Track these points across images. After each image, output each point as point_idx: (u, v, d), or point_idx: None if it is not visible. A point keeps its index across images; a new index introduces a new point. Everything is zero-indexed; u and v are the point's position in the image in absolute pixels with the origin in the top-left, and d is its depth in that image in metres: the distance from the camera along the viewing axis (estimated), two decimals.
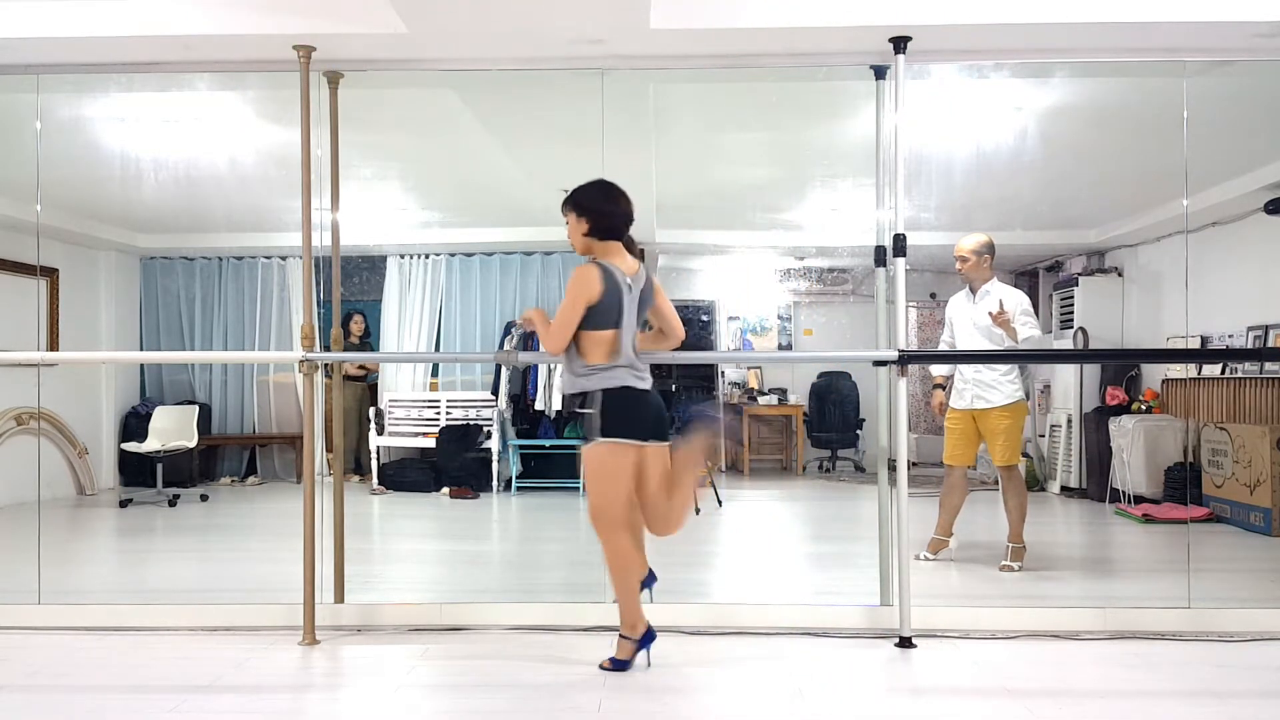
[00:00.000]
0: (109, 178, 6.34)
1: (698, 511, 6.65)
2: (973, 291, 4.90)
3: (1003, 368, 4.80)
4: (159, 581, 4.98)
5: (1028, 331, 4.69)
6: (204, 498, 7.75)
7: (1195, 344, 6.69)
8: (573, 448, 8.19)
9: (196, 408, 7.85)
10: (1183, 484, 6.48)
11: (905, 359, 3.73)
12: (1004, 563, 4.80)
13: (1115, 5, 3.55)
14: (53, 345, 7.72)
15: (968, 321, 4.87)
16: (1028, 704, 2.98)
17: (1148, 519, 6.24)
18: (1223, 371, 6.52)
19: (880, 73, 3.87)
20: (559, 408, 8.27)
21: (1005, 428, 4.80)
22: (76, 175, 6.27)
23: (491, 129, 5.23)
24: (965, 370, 4.89)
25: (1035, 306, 8.82)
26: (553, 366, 8.26)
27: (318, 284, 3.91)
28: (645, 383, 3.32)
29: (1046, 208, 7.05)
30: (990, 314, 4.70)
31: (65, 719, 2.90)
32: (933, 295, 8.85)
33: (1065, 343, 7.94)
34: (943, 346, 5.09)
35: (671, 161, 5.63)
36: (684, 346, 3.56)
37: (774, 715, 2.90)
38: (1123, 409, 7.24)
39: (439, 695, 3.14)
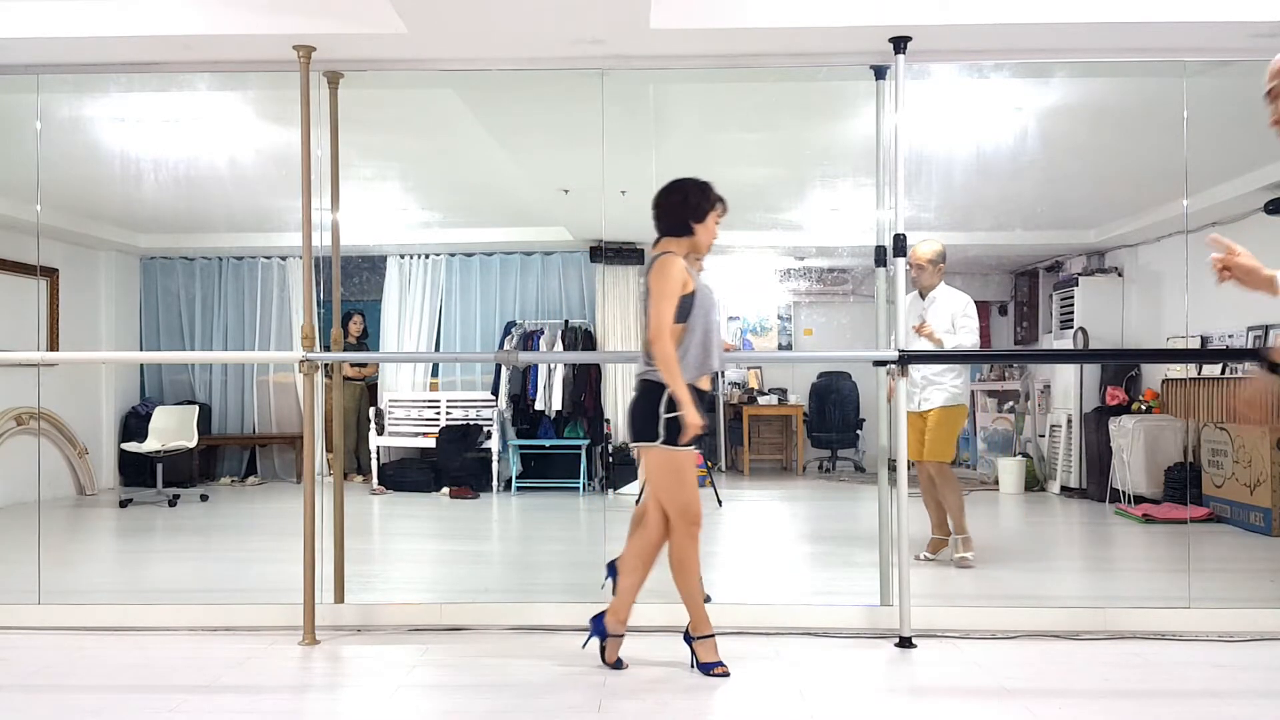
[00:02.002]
0: (109, 178, 6.33)
1: None
2: (922, 296, 4.99)
3: (951, 373, 4.88)
4: (159, 581, 4.98)
5: (957, 339, 4.80)
6: (204, 498, 7.75)
7: (1195, 344, 6.69)
8: (573, 448, 8.20)
9: (196, 408, 7.85)
10: (1183, 484, 6.48)
11: (905, 359, 3.74)
12: (957, 555, 4.81)
13: (1115, 5, 3.55)
14: (53, 345, 7.72)
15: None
16: (1028, 704, 2.98)
17: (1148, 519, 6.24)
18: (1223, 371, 6.52)
19: (880, 73, 3.87)
20: (559, 407, 8.27)
21: (937, 423, 4.86)
22: (76, 175, 6.27)
23: (491, 129, 5.23)
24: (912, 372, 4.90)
25: (1035, 306, 8.89)
26: (552, 367, 8.27)
27: (318, 284, 3.91)
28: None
29: (1046, 208, 7.05)
30: (914, 327, 4.80)
31: (65, 719, 2.91)
32: None
33: (1065, 343, 7.94)
34: None
35: (671, 161, 5.62)
36: None
37: (774, 715, 2.90)
38: (1123, 409, 7.24)
39: (439, 695, 3.14)
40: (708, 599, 3.69)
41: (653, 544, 3.30)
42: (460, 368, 8.99)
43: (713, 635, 3.31)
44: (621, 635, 3.35)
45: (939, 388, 4.86)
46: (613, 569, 3.54)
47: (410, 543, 6.38)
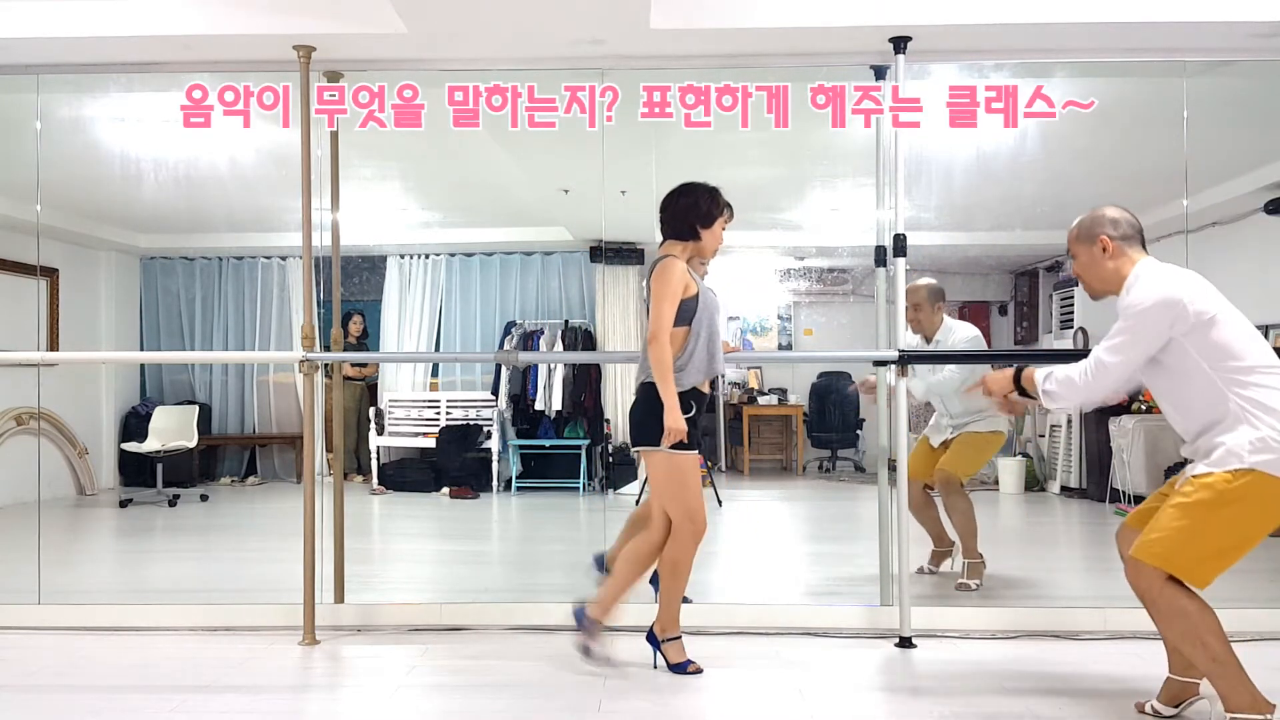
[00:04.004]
0: (109, 178, 6.34)
1: None
2: (927, 341, 4.59)
3: (990, 411, 4.48)
4: (159, 581, 4.98)
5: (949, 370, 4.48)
6: (204, 498, 7.75)
7: None
8: (573, 448, 8.20)
9: (196, 408, 7.85)
10: None
11: (905, 359, 3.74)
12: (960, 581, 4.45)
13: (1115, 5, 3.56)
14: (53, 345, 7.72)
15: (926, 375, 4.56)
16: (1028, 704, 2.98)
17: None
18: None
19: (880, 73, 3.87)
20: (559, 408, 8.28)
21: (966, 440, 4.52)
22: (76, 175, 6.27)
23: (492, 129, 5.22)
24: (947, 410, 4.65)
25: (1035, 306, 8.88)
26: (552, 367, 8.27)
27: (318, 284, 3.91)
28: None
29: (1046, 208, 7.05)
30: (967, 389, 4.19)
31: (65, 719, 2.91)
32: None
33: (1065, 343, 7.94)
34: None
35: (671, 161, 5.62)
36: None
37: (774, 715, 2.90)
38: (1123, 409, 7.23)
39: (439, 695, 3.14)
40: (686, 600, 3.71)
41: (654, 546, 3.26)
42: (460, 368, 9.00)
43: (680, 636, 3.31)
44: (602, 628, 3.30)
45: (982, 418, 4.50)
46: (601, 563, 3.56)
47: (410, 543, 6.38)
